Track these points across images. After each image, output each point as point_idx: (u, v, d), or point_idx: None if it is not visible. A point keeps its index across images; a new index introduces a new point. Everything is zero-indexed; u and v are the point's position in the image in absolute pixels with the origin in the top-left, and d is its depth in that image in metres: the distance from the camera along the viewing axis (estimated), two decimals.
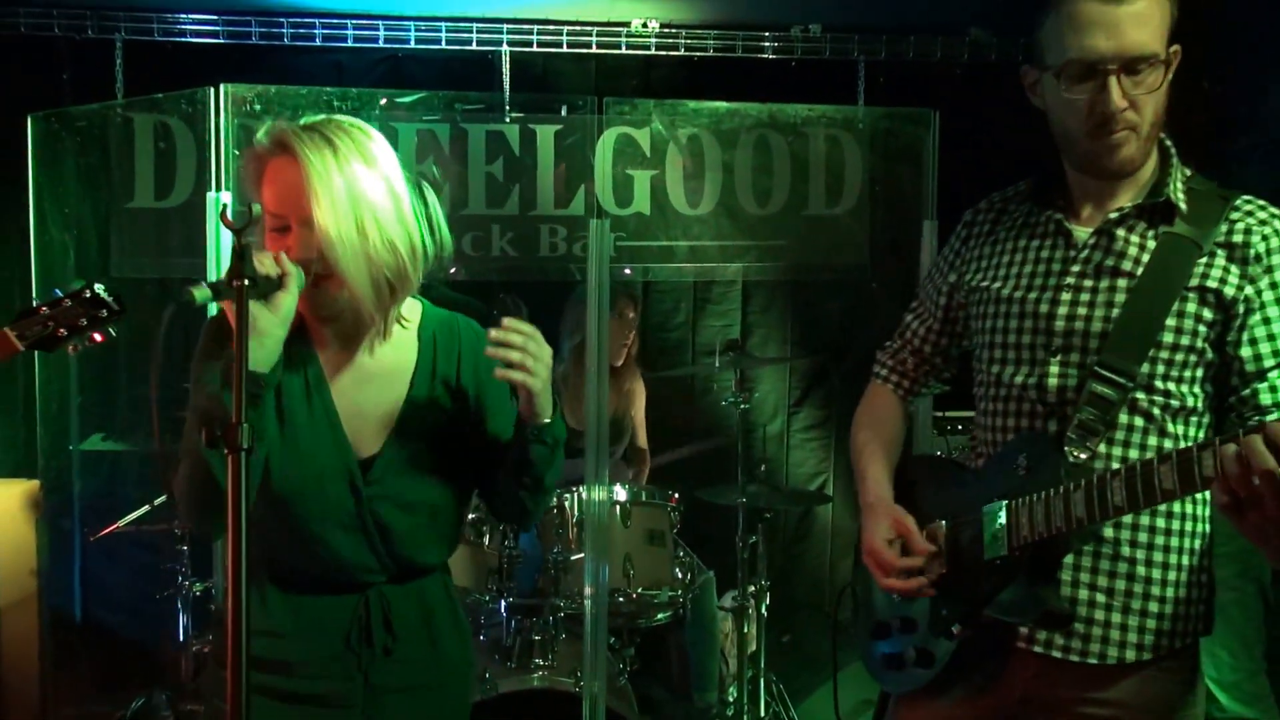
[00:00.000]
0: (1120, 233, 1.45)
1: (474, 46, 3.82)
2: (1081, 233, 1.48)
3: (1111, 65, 1.35)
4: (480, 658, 2.89)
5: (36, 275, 3.17)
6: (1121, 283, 1.43)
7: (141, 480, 3.07)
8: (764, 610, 3.27)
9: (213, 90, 3.04)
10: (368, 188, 1.40)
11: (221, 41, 3.71)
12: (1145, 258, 1.42)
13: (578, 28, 3.86)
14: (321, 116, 1.44)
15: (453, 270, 1.63)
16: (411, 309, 1.55)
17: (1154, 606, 1.43)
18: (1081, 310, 1.44)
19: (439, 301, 1.60)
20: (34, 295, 3.13)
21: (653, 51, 3.94)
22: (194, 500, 1.40)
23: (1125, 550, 1.43)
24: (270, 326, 1.33)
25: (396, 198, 1.44)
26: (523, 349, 1.40)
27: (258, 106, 3.36)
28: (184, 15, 3.68)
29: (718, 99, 3.77)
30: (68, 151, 3.35)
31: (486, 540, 3.04)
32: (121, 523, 2.78)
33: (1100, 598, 1.43)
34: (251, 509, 1.34)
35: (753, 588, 3.27)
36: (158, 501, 2.82)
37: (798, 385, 4.07)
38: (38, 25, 3.61)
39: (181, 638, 2.89)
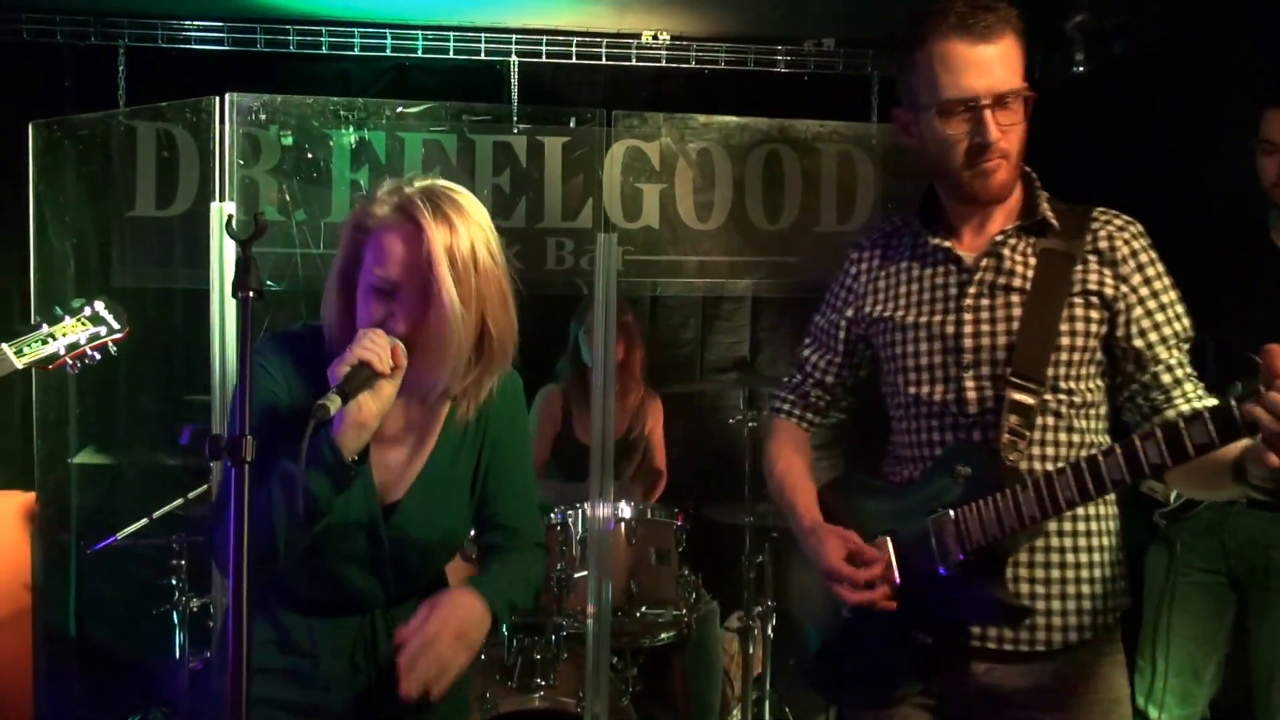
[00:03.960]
0: (1006, 253, 1.63)
1: (482, 56, 3.87)
2: (969, 256, 1.65)
3: (985, 101, 1.53)
4: (480, 677, 2.90)
5: (36, 284, 3.20)
6: (1015, 298, 1.60)
7: (139, 494, 3.09)
8: (770, 632, 3.28)
9: (217, 99, 3.08)
10: (483, 274, 1.45)
11: (226, 49, 3.77)
12: (1030, 273, 1.61)
13: (587, 39, 3.91)
14: (429, 182, 1.47)
15: None
16: None
17: (1085, 589, 1.60)
18: (985, 327, 1.61)
19: None
20: (33, 304, 3.16)
21: (663, 64, 3.99)
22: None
23: (1055, 540, 1.60)
24: (369, 413, 1.39)
25: (503, 292, 1.49)
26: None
27: (263, 116, 3.40)
28: (188, 22, 3.74)
29: (729, 113, 3.81)
30: (69, 159, 3.39)
31: None
32: (119, 535, 2.80)
33: (1039, 589, 1.59)
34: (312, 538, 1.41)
35: (759, 609, 3.28)
36: (156, 514, 2.84)
37: None
38: (40, 32, 3.67)
39: (178, 654, 2.90)
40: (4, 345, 1.95)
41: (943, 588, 1.56)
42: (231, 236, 1.28)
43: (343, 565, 1.53)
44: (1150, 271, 1.60)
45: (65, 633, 3.36)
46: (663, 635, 3.17)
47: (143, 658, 3.13)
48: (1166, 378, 1.58)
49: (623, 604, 3.04)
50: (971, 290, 1.62)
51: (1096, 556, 1.61)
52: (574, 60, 3.93)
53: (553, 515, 3.19)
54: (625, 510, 3.15)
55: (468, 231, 1.44)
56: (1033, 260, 1.61)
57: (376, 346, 1.38)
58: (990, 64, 1.52)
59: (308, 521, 1.40)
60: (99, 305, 2.05)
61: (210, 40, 3.76)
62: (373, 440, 1.47)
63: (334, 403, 1.32)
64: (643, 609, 3.09)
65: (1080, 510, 1.59)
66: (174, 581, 2.87)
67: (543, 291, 3.66)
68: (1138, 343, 1.58)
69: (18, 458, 3.31)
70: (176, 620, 2.89)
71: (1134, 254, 1.59)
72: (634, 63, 3.97)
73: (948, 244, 1.66)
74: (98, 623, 3.41)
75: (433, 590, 1.62)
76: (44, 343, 1.99)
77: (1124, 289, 1.58)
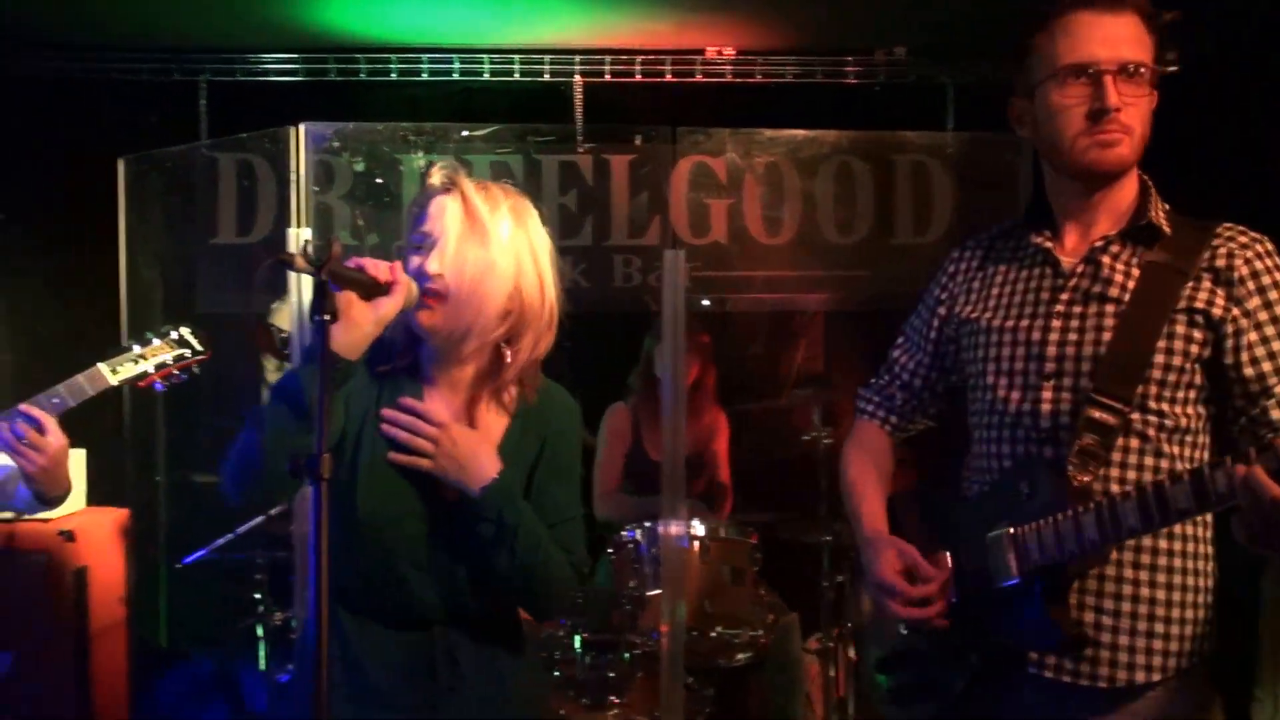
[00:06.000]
0: (1106, 260, 1.62)
1: (547, 78, 4.16)
2: (1068, 261, 1.65)
3: (1107, 67, 1.55)
4: (554, 694, 3.11)
5: (127, 311, 3.57)
6: (1110, 308, 1.59)
7: (223, 510, 3.40)
8: (852, 654, 3.41)
9: (292, 129, 3.40)
10: (512, 238, 1.66)
11: (300, 80, 4.14)
12: (1131, 284, 1.59)
13: (651, 56, 4.17)
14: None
15: None
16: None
17: (1160, 627, 1.56)
18: (1072, 336, 1.61)
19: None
20: (124, 330, 3.52)
21: (729, 79, 4.21)
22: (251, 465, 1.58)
23: (1128, 572, 1.57)
24: (363, 318, 1.55)
25: (536, 263, 1.69)
26: (410, 430, 1.62)
27: (335, 143, 3.73)
28: (265, 56, 4.12)
29: (798, 126, 4.01)
30: (156, 191, 3.78)
31: None
32: (208, 549, 3.10)
33: (1106, 620, 1.57)
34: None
35: (839, 630, 3.41)
36: (241, 529, 3.13)
37: None
38: (126, 70, 4.09)
39: (262, 666, 3.18)
40: (100, 365, 2.25)
41: (998, 609, 1.57)
42: (309, 262, 1.42)
43: (398, 564, 1.66)
44: (1273, 295, 1.55)
45: (157, 644, 3.69)
46: (739, 656, 3.33)
47: (230, 669, 3.44)
48: (1277, 414, 1.52)
49: (697, 623, 3.20)
50: (1064, 296, 1.62)
51: (1177, 596, 1.57)
52: (638, 79, 4.18)
53: (624, 533, 3.40)
54: (698, 528, 3.34)
55: (503, 201, 1.67)
56: (1136, 271, 1.59)
57: (376, 260, 1.57)
58: (1115, 33, 1.55)
59: (301, 418, 1.51)
60: (184, 330, 2.38)
61: (285, 72, 4.14)
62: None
63: (298, 258, 1.44)
64: (718, 629, 3.25)
65: (1164, 545, 1.57)
66: (257, 596, 3.15)
67: (610, 309, 3.89)
68: (1248, 371, 1.54)
69: (111, 475, 3.66)
70: (261, 633, 3.16)
71: (1255, 274, 1.55)
72: (699, 79, 4.21)
73: (1048, 245, 1.67)
74: (187, 635, 3.73)
75: (498, 622, 1.74)
76: (135, 363, 2.29)
77: (1235, 311, 1.54)
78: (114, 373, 2.25)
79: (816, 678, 3.64)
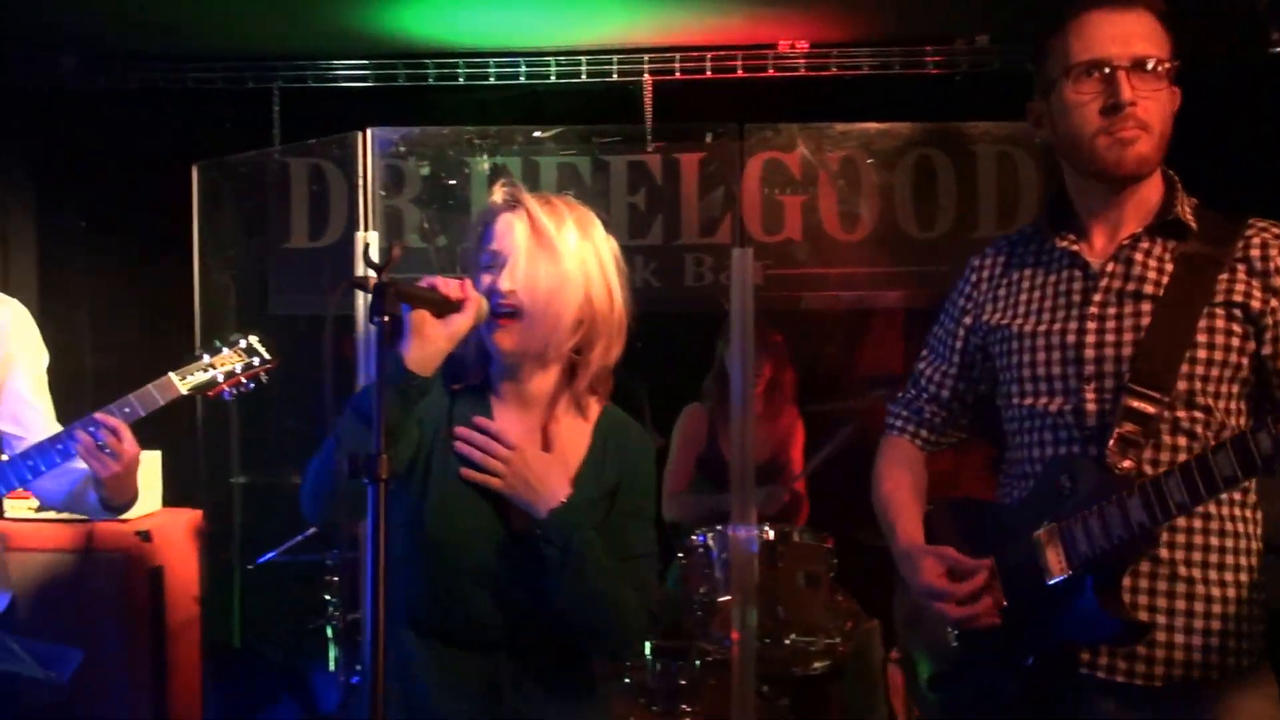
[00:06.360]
0: (1138, 256, 1.64)
1: (615, 78, 4.19)
2: (1097, 261, 1.67)
3: (1120, 63, 1.57)
4: (624, 701, 3.10)
5: (200, 315, 3.70)
6: (1145, 305, 1.61)
7: (294, 512, 3.49)
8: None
9: (360, 134, 3.49)
10: (579, 250, 1.68)
11: (370, 85, 4.24)
12: (1165, 278, 1.61)
13: (722, 52, 4.16)
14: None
15: None
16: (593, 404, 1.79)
17: (1216, 625, 1.57)
18: (1109, 336, 1.62)
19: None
20: (197, 334, 3.65)
21: (802, 73, 4.18)
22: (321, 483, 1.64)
23: (1182, 570, 1.58)
24: (435, 334, 1.59)
25: (603, 272, 1.70)
26: (483, 449, 1.64)
27: (402, 148, 3.82)
28: (336, 62, 4.24)
29: (875, 120, 3.96)
30: (229, 197, 3.91)
31: None
32: (278, 550, 3.18)
33: (1161, 619, 1.57)
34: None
35: None
36: (310, 530, 3.20)
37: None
38: (202, 79, 4.26)
39: (332, 667, 3.24)
40: (171, 374, 2.33)
41: (1050, 607, 1.57)
42: (369, 265, 1.47)
43: (466, 584, 1.67)
44: None
45: (230, 644, 3.80)
46: (815, 664, 3.28)
47: (301, 670, 3.52)
48: None
49: (770, 630, 3.16)
50: (1097, 298, 1.64)
51: (1231, 592, 1.58)
52: (709, 75, 4.18)
53: (695, 537, 3.38)
54: (771, 533, 3.30)
55: (568, 215, 1.70)
56: (1169, 266, 1.61)
57: (447, 278, 1.60)
58: (1127, 30, 1.59)
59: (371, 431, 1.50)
60: (252, 339, 2.44)
61: (355, 78, 4.25)
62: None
63: (371, 280, 1.48)
64: (792, 636, 3.21)
65: (1215, 541, 1.58)
66: (328, 597, 3.22)
67: (682, 309, 3.88)
68: None
69: (186, 477, 3.79)
70: (331, 634, 3.23)
71: None
72: (771, 74, 4.18)
73: (1075, 248, 1.68)
74: (260, 635, 3.84)
75: (564, 650, 1.71)
76: (205, 371, 2.37)
77: (1274, 303, 1.57)
78: (184, 381, 2.33)
79: (899, 688, 3.57)
